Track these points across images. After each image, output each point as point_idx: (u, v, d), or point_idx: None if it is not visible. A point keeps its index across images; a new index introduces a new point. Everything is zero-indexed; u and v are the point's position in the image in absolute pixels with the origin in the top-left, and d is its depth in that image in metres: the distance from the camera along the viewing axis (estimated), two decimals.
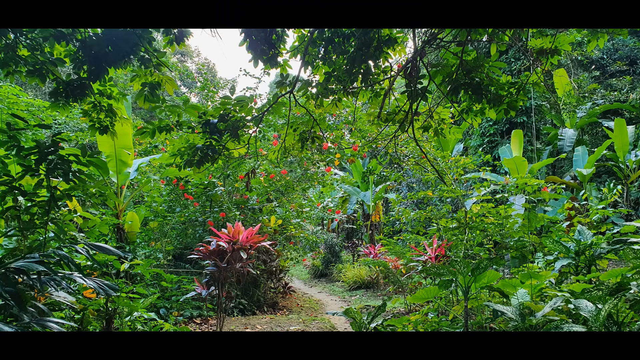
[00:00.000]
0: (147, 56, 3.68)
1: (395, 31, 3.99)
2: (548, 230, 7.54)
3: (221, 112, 4.03)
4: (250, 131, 4.59)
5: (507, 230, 6.09)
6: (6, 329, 2.36)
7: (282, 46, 3.90)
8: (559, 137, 14.06)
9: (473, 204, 7.81)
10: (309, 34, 3.97)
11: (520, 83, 4.04)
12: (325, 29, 3.81)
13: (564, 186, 11.91)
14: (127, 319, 4.80)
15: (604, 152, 12.01)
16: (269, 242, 6.57)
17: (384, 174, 13.24)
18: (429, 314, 5.20)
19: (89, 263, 4.73)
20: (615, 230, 4.91)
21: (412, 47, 5.26)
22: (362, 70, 3.96)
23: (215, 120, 4.00)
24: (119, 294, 4.36)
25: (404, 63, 4.29)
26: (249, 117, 4.14)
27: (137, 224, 8.23)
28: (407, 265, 7.89)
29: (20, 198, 3.50)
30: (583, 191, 10.65)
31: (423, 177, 9.56)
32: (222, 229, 6.07)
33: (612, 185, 9.27)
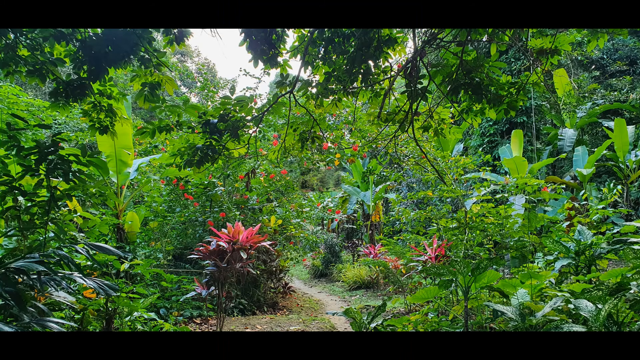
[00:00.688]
0: (147, 56, 3.68)
1: (395, 31, 3.99)
2: (548, 230, 7.54)
3: (221, 112, 4.03)
4: (250, 131, 4.60)
5: (507, 230, 6.09)
6: (6, 329, 2.36)
7: (282, 46, 3.89)
8: (559, 137, 14.06)
9: (473, 204, 7.80)
10: (309, 34, 3.97)
11: (520, 83, 4.03)
12: (325, 29, 3.80)
13: (564, 186, 11.90)
14: (127, 319, 4.80)
15: (604, 152, 12.01)
16: (269, 242, 6.57)
17: (384, 174, 13.23)
18: (429, 314, 5.20)
19: (89, 263, 4.73)
20: (615, 230, 4.91)
21: (412, 47, 5.26)
22: (362, 70, 3.96)
23: (215, 120, 4.00)
24: (119, 294, 4.36)
25: (404, 63, 4.29)
26: (249, 117, 4.14)
27: (137, 224, 8.23)
28: (407, 265, 7.89)
29: (20, 198, 3.50)
30: (583, 191, 10.64)
31: (423, 177, 9.56)
32: (222, 229, 6.07)
33: (612, 185, 9.26)
